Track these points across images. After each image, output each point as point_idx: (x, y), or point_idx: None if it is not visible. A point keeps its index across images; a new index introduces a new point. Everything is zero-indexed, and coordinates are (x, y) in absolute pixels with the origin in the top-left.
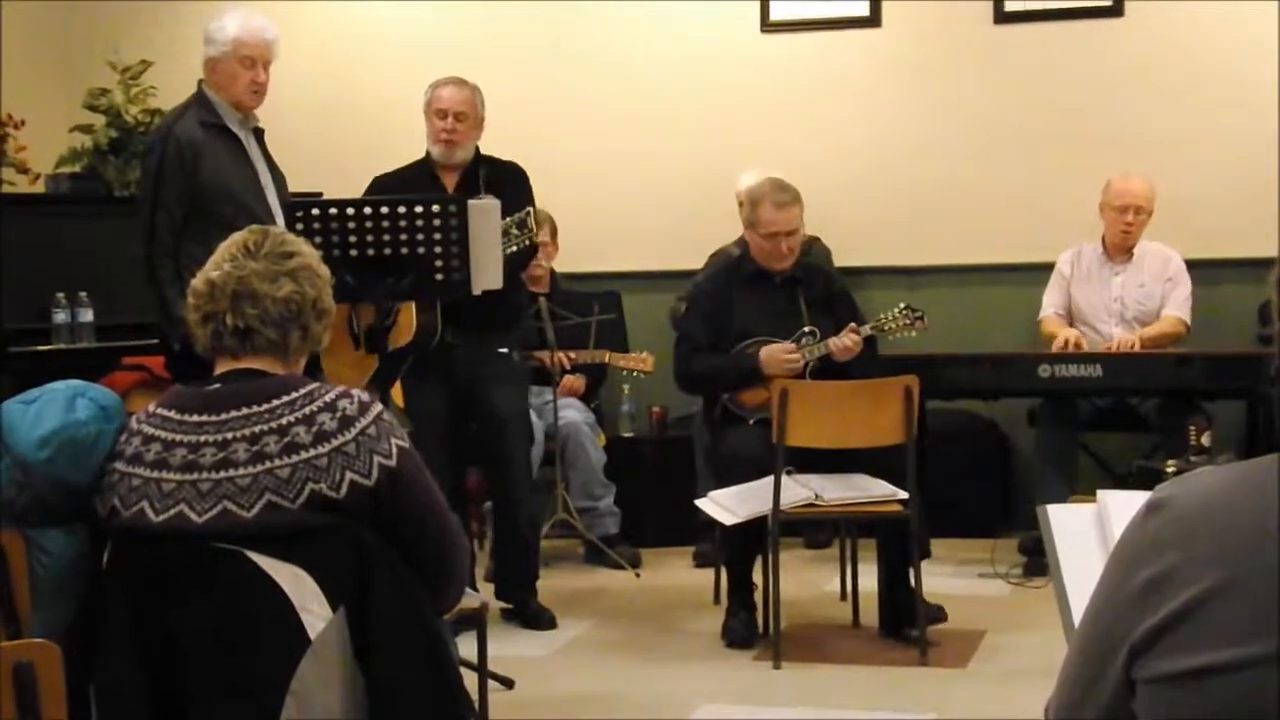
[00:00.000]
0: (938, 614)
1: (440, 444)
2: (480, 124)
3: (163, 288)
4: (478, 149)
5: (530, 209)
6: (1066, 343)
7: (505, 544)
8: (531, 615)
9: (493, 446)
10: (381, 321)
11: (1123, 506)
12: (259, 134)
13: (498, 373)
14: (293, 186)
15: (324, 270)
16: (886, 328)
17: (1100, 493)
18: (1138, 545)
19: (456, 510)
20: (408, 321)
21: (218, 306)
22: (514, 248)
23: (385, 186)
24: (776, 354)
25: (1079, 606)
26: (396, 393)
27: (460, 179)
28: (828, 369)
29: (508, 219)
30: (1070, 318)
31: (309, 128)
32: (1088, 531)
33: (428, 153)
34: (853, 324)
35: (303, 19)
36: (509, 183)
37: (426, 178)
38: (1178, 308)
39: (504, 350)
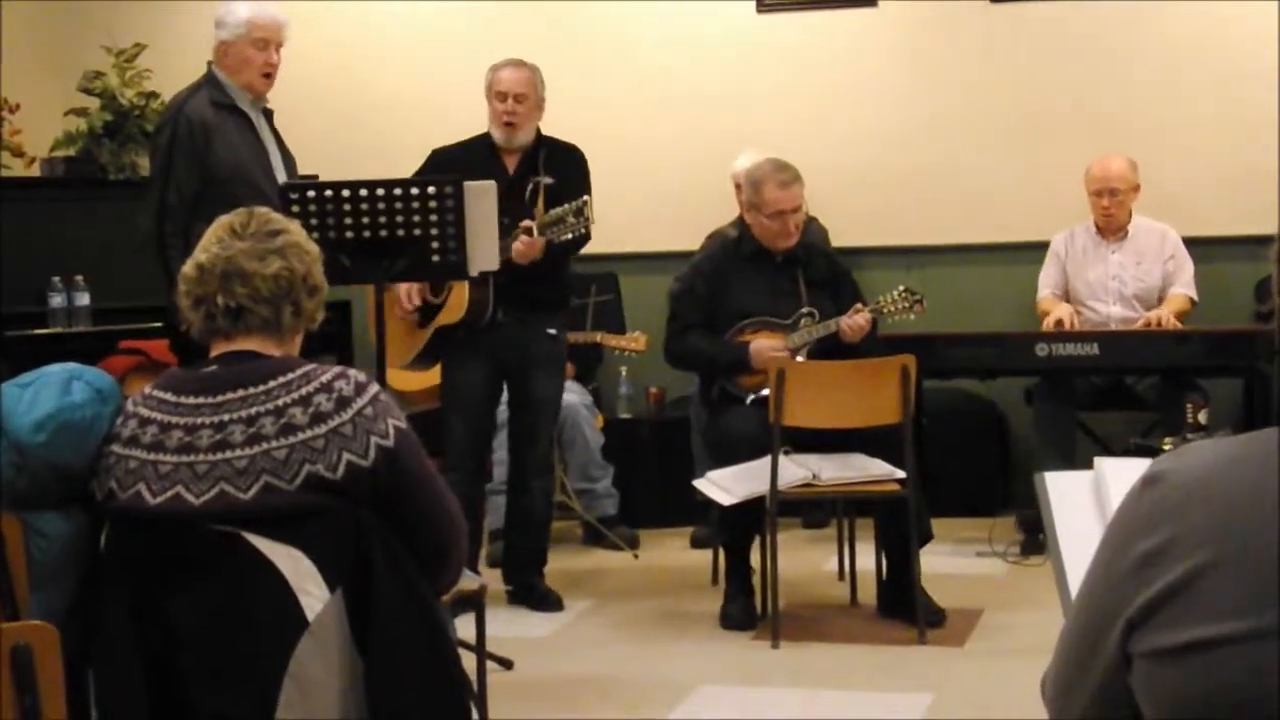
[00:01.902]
0: (936, 618)
1: (472, 424)
2: (540, 105)
3: (171, 267)
4: (538, 130)
5: (587, 197)
6: (1060, 321)
7: (518, 525)
8: (539, 597)
9: (522, 426)
10: (377, 297)
11: (1120, 473)
12: (268, 115)
13: (543, 355)
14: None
15: (312, 247)
16: (885, 310)
17: (1098, 460)
18: (1133, 519)
19: (475, 491)
20: (458, 300)
21: (208, 289)
22: (569, 235)
23: (446, 159)
24: (766, 351)
25: (1075, 573)
26: (396, 377)
27: (520, 160)
28: (829, 348)
29: (564, 206)
30: (1067, 298)
31: (313, 116)
32: (1085, 498)
33: (488, 132)
34: (859, 304)
35: (307, 8)
36: (568, 165)
37: (487, 156)
38: (1185, 285)
39: (552, 331)
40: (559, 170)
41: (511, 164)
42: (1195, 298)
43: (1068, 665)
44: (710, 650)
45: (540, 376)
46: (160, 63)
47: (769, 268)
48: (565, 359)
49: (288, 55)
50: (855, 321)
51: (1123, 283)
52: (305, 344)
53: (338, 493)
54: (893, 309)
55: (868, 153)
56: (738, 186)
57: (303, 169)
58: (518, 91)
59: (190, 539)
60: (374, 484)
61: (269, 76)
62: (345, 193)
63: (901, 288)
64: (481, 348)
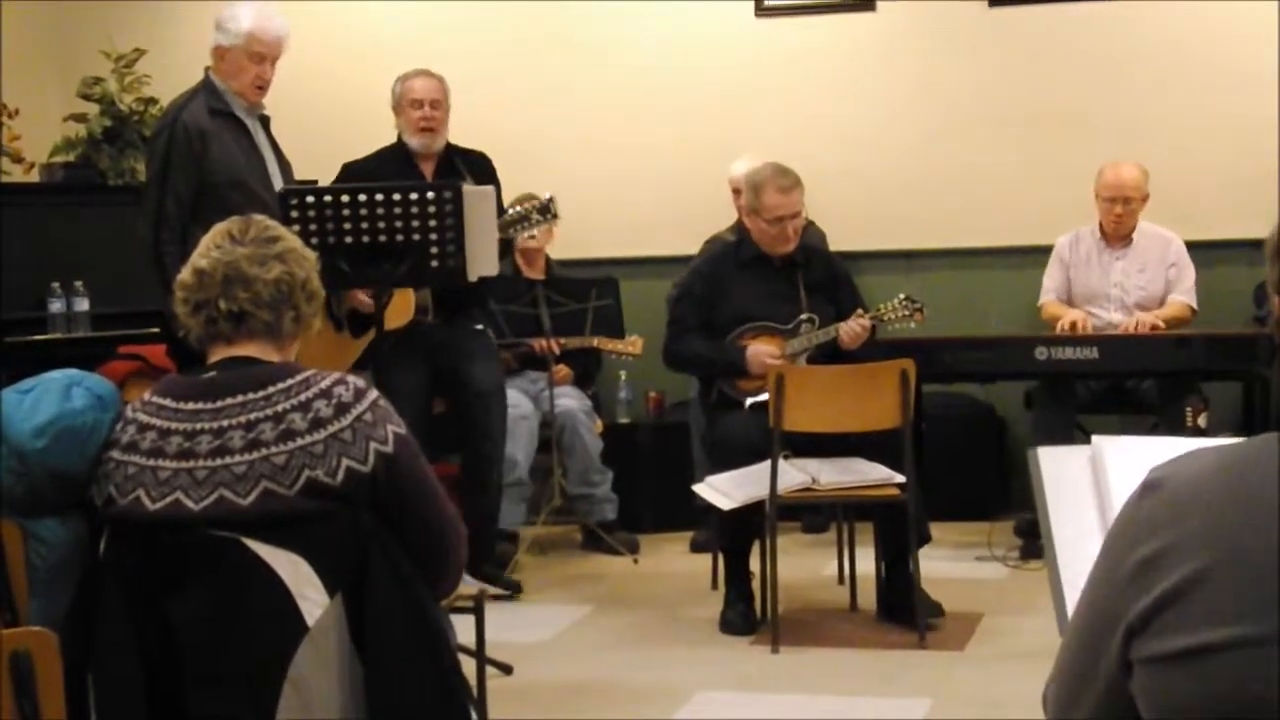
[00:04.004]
0: (935, 609)
1: (415, 427)
2: (449, 111)
3: (168, 273)
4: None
5: (552, 196)
6: (1073, 325)
7: (474, 523)
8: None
9: (473, 422)
10: (376, 303)
11: (1116, 450)
12: (265, 121)
13: (477, 349)
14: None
15: (309, 253)
16: (886, 318)
17: (1095, 438)
18: (1132, 525)
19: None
20: (404, 304)
21: (208, 294)
22: (533, 231)
23: (359, 173)
24: (762, 355)
25: (1066, 551)
26: None
27: (436, 167)
28: (828, 353)
29: (528, 204)
30: (1070, 302)
31: (306, 118)
32: (1080, 475)
33: (401, 141)
34: (859, 310)
35: (301, 9)
36: (483, 170)
37: (403, 165)
38: (1185, 293)
39: (479, 327)
40: (476, 176)
41: (428, 170)
42: (1195, 306)
43: (1069, 674)
44: (710, 655)
45: (480, 369)
46: (160, 68)
47: (768, 272)
48: (495, 350)
49: (284, 60)
50: (853, 328)
51: (1125, 290)
52: None
53: (337, 498)
54: (893, 317)
55: (866, 156)
56: (736, 192)
57: (300, 174)
58: (433, 98)
59: (189, 544)
60: (373, 490)
61: (261, 89)
62: (345, 198)
63: (902, 295)
64: (416, 351)
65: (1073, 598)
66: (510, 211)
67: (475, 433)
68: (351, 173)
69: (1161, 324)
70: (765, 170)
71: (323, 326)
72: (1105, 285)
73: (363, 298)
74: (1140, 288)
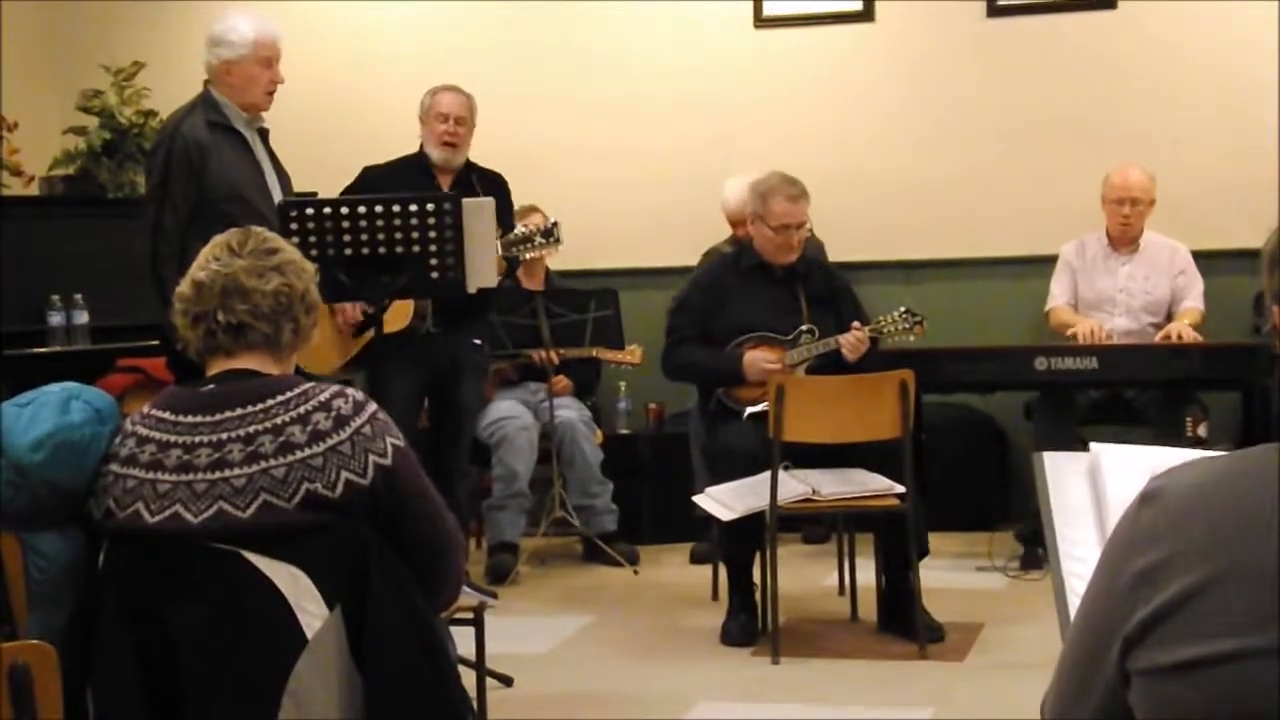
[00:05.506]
0: (936, 632)
1: (409, 432)
2: (473, 130)
3: (167, 287)
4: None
5: (556, 221)
6: (1092, 332)
7: None
8: None
9: (447, 433)
10: (376, 312)
11: (1115, 459)
12: (264, 134)
13: (471, 363)
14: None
15: (308, 265)
16: (885, 330)
17: (1094, 445)
18: (1131, 537)
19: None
20: (403, 308)
21: (207, 306)
22: (532, 254)
23: (377, 178)
24: (759, 361)
25: (1068, 550)
26: None
27: (454, 182)
28: (828, 363)
29: (531, 225)
30: (1076, 308)
31: (303, 128)
32: (1083, 480)
33: (421, 153)
34: (856, 322)
35: (297, 18)
36: (498, 189)
37: (422, 176)
38: (1197, 300)
39: (477, 341)
40: (491, 195)
41: (445, 183)
42: (1204, 311)
43: (1068, 685)
44: (710, 666)
45: (467, 384)
46: (159, 81)
47: (769, 282)
48: (485, 368)
49: (282, 71)
50: (851, 339)
51: (1130, 295)
52: None
53: (336, 511)
54: (893, 330)
55: (866, 167)
56: (734, 224)
57: (298, 186)
58: (458, 114)
59: (189, 557)
60: (373, 502)
61: (272, 94)
62: (344, 209)
63: (902, 308)
64: (412, 356)
65: (1075, 604)
66: (514, 232)
67: (448, 444)
68: (371, 177)
69: (1194, 334)
70: (773, 178)
71: (321, 322)
72: (1112, 290)
73: (339, 321)
74: (1146, 293)
